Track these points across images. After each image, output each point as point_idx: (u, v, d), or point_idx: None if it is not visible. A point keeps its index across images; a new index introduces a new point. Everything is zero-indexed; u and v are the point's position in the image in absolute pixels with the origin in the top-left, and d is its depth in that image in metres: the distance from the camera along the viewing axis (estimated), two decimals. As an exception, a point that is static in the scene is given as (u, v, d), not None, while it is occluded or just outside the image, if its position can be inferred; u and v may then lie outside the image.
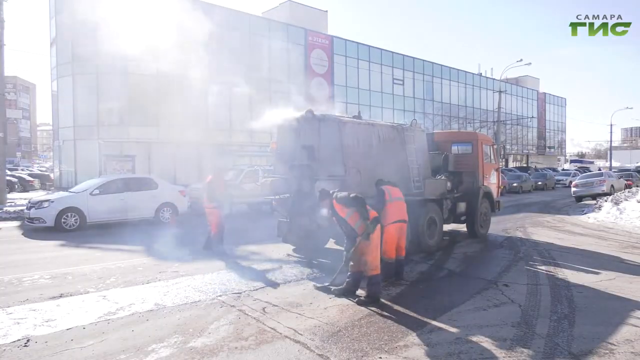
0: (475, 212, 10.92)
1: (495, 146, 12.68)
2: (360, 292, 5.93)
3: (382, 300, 5.88)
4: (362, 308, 5.52)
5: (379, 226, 5.85)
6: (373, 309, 5.50)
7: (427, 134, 11.06)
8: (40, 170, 37.43)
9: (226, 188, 9.51)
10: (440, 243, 9.81)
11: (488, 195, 11.52)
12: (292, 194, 8.46)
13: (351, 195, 5.82)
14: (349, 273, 6.08)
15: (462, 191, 10.84)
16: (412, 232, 8.62)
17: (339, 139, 7.88)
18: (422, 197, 9.15)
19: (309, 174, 7.96)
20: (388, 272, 6.74)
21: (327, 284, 6.39)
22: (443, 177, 10.25)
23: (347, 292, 5.99)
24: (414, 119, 10.23)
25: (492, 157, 12.06)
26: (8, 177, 22.06)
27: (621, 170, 37.87)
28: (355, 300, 5.73)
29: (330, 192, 6.11)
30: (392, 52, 39.99)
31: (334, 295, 5.99)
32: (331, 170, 7.88)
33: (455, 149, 11.58)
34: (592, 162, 68.79)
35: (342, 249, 9.42)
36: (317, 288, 6.37)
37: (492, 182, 11.98)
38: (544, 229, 12.94)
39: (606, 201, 16.80)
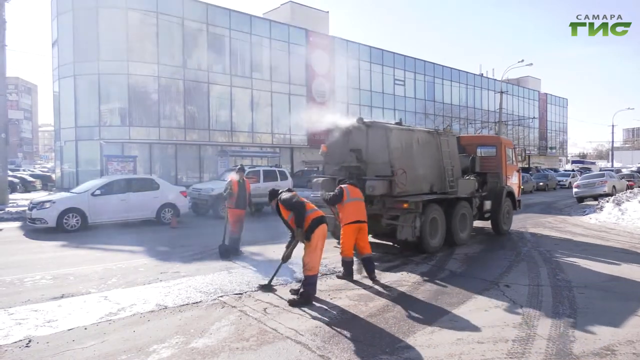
0: (499, 210, 11.68)
1: (516, 149, 13.54)
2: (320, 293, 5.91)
3: (384, 299, 5.90)
4: (364, 309, 5.52)
5: (320, 227, 5.81)
6: (374, 309, 5.50)
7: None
8: (42, 171, 37.52)
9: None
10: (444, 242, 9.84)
11: (510, 194, 12.33)
12: None
13: (293, 200, 5.84)
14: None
15: (487, 191, 11.71)
16: (446, 226, 9.56)
17: (386, 143, 8.75)
18: (456, 195, 9.98)
19: (358, 174, 8.81)
20: (347, 270, 6.95)
21: (266, 282, 6.43)
22: (472, 178, 10.96)
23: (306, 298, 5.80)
24: (448, 125, 10.84)
25: (513, 159, 12.91)
26: (10, 178, 22.09)
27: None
28: (287, 300, 5.75)
29: (279, 192, 6.13)
30: (394, 53, 39.92)
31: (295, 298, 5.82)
32: (379, 171, 8.79)
33: (479, 151, 12.34)
34: (593, 163, 68.64)
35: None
36: (260, 287, 6.33)
37: (514, 182, 12.84)
38: (546, 230, 12.93)
39: (608, 202, 16.76)
